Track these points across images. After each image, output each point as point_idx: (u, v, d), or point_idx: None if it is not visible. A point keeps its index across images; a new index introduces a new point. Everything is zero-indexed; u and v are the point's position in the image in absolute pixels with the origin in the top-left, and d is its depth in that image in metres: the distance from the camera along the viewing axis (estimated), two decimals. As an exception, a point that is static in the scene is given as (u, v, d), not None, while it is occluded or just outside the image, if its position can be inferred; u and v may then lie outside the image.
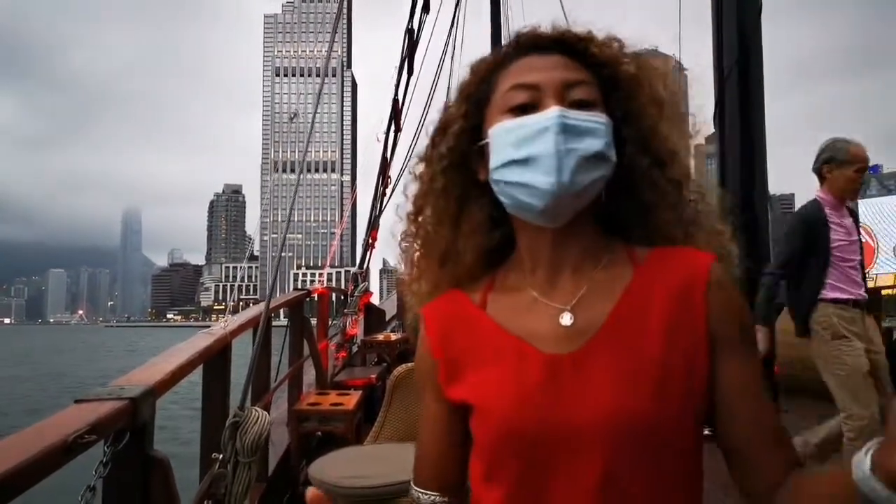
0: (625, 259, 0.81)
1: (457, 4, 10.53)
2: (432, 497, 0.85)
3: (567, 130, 0.73)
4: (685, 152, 0.83)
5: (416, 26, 7.94)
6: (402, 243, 0.92)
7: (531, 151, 0.74)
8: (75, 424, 1.23)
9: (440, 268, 0.89)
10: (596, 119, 0.76)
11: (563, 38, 0.82)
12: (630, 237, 0.84)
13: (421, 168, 0.89)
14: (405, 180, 0.92)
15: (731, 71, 3.64)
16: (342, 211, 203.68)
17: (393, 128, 8.13)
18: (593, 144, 0.74)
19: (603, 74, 0.81)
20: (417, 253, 0.91)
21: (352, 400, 3.89)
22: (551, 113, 0.74)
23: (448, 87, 11.95)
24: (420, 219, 0.89)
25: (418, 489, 0.86)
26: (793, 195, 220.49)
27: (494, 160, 0.79)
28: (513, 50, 0.84)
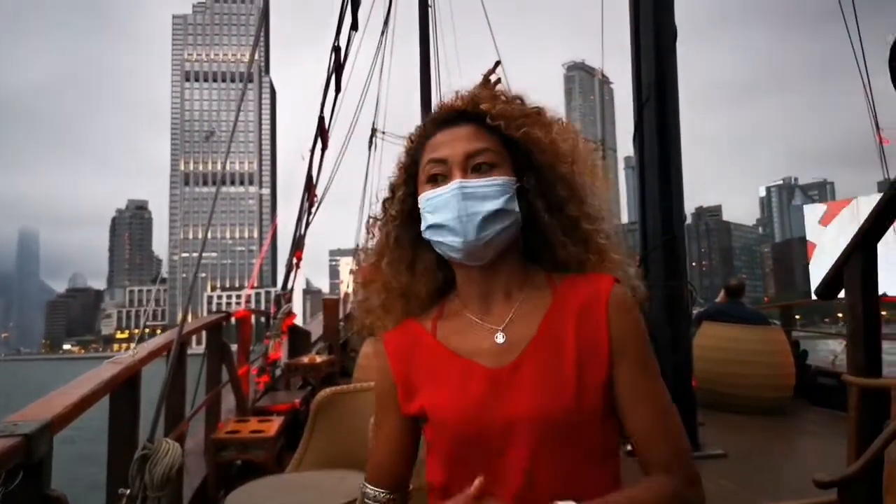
0: (545, 285, 0.99)
1: (385, 22, 10.54)
2: (383, 494, 1.01)
3: (467, 198, 0.91)
4: (586, 194, 0.99)
5: (342, 44, 7.86)
6: (364, 288, 1.07)
7: (442, 219, 0.93)
8: (-42, 465, 1.10)
9: (401, 305, 1.05)
10: (493, 182, 0.92)
11: (467, 111, 0.97)
12: (552, 265, 1.01)
13: (378, 227, 1.06)
14: (363, 238, 1.09)
15: (649, 96, 3.75)
16: (261, 227, 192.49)
17: (319, 145, 8.00)
18: (492, 205, 0.91)
19: (506, 136, 0.96)
20: (383, 295, 1.05)
21: (273, 426, 3.76)
22: (453, 185, 0.92)
23: (376, 105, 11.94)
24: (381, 267, 1.04)
25: (371, 487, 1.02)
26: (720, 206, 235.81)
27: (423, 223, 0.97)
28: (431, 125, 1.00)
